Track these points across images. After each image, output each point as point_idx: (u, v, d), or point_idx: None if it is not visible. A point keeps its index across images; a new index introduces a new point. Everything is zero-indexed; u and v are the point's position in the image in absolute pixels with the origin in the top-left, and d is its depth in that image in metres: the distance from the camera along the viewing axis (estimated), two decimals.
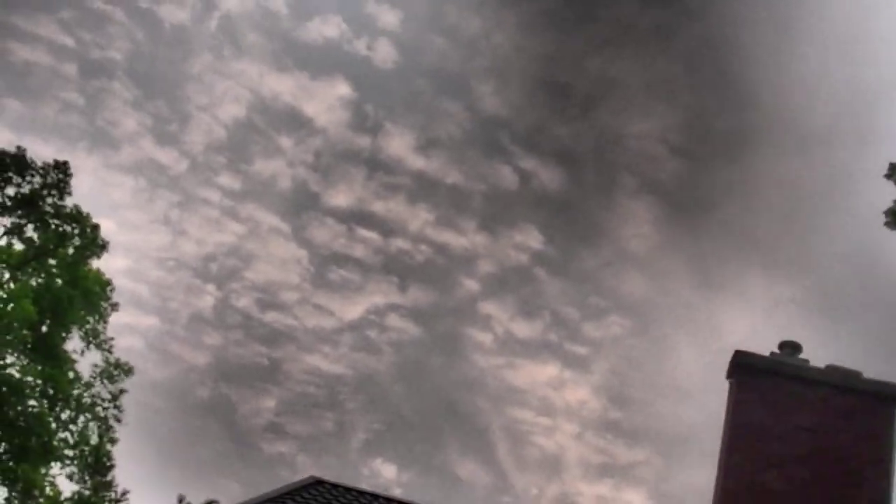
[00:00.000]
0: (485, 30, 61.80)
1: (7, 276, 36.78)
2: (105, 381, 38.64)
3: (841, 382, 11.22)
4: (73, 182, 37.30)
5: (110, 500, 38.03)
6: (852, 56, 50.19)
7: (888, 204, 22.95)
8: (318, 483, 17.49)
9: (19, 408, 35.57)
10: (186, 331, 57.81)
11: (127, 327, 48.12)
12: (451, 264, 61.37)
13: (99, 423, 38.25)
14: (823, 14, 48.04)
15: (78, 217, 37.10)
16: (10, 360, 36.57)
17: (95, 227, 37.54)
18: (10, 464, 35.25)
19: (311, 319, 59.74)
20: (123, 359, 39.31)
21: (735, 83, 55.12)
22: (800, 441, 11.04)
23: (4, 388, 35.32)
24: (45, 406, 36.16)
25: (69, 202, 37.12)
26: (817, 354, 11.57)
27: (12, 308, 34.13)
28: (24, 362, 36.78)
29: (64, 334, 37.67)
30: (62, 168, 36.97)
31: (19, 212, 36.88)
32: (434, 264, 60.87)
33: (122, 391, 38.82)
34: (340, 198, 61.95)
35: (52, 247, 37.15)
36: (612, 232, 64.30)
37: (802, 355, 11.53)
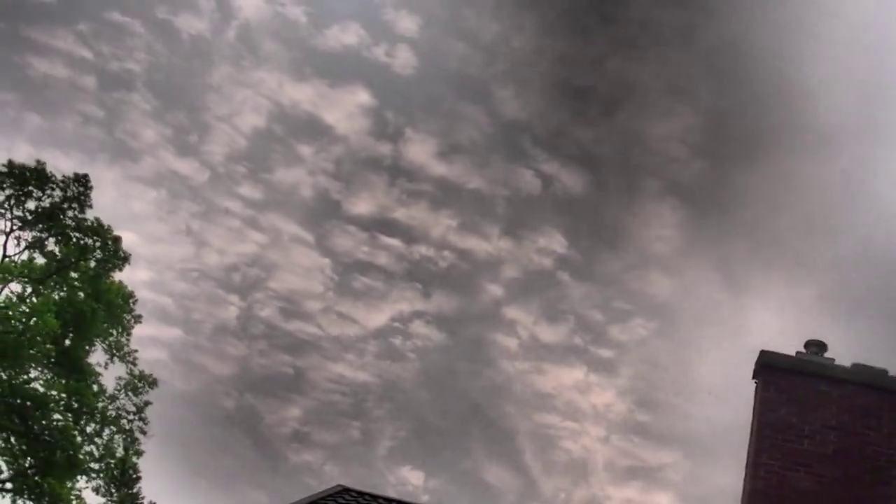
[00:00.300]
0: (504, 34, 61.78)
1: (29, 290, 36.89)
2: (129, 394, 38.70)
3: (867, 380, 11.18)
4: (94, 195, 37.47)
5: None
6: (871, 55, 50.00)
7: None
8: (345, 491, 17.47)
9: (44, 422, 35.66)
10: (211, 342, 57.92)
11: (151, 339, 48.35)
12: (474, 270, 61.37)
13: (124, 436, 38.29)
14: (841, 14, 47.88)
15: (99, 230, 37.18)
16: (34, 374, 36.71)
17: (117, 240, 37.63)
18: (37, 478, 35.35)
19: (335, 328, 59.80)
20: (148, 371, 39.42)
21: (755, 83, 54.97)
22: (827, 439, 11.00)
23: (29, 403, 35.44)
24: (70, 419, 36.21)
25: (90, 215, 37.28)
26: (843, 353, 11.54)
27: (35, 322, 34.17)
28: (49, 376, 36.87)
29: (87, 347, 37.74)
30: (82, 181, 37.08)
31: (40, 226, 37.02)
32: (457, 270, 60.90)
33: (146, 403, 38.87)
34: (362, 205, 62.06)
35: (73, 260, 37.24)
36: (636, 234, 64.18)
37: (828, 354, 11.50)
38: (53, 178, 36.74)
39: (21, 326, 34.15)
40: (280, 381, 58.32)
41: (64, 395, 36.30)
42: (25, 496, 35.55)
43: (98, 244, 37.46)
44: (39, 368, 36.60)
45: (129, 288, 38.95)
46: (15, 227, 36.86)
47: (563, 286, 61.99)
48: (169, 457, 42.79)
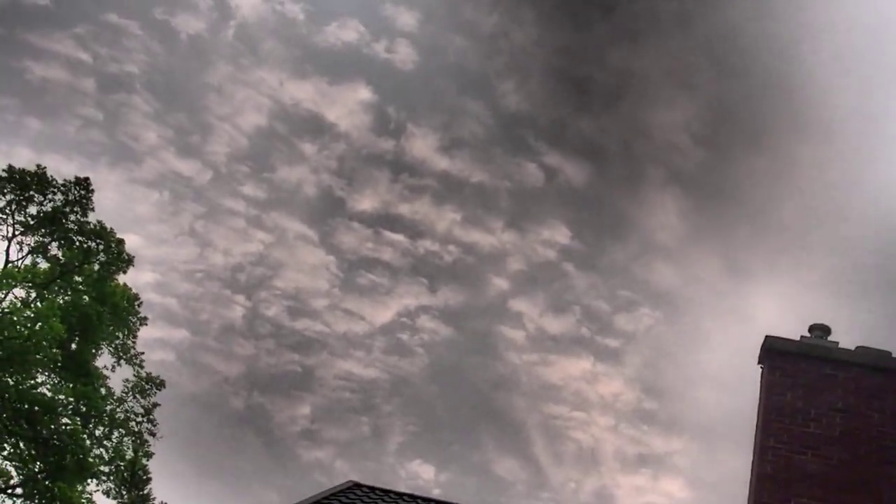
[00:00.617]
0: (503, 26, 61.77)
1: (34, 295, 36.93)
2: (137, 396, 38.75)
3: (871, 363, 11.25)
4: (97, 198, 37.46)
5: None
6: (874, 40, 49.98)
7: None
8: (356, 487, 17.54)
9: (53, 426, 35.74)
10: (218, 342, 57.99)
11: (158, 341, 48.38)
12: (479, 263, 61.43)
13: (133, 438, 38.33)
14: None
15: (102, 233, 37.19)
16: (41, 379, 36.76)
17: (120, 242, 37.67)
18: (47, 482, 35.43)
19: (342, 325, 59.83)
20: (155, 373, 39.45)
21: (756, 71, 55.00)
22: (833, 422, 11.07)
23: (37, 408, 35.52)
24: (79, 423, 36.26)
25: (92, 218, 37.28)
26: (847, 336, 11.61)
27: (41, 327, 34.23)
28: (56, 381, 36.94)
29: (94, 351, 37.80)
30: (83, 184, 37.10)
31: (43, 230, 37.05)
32: (463, 264, 60.96)
33: (154, 405, 38.90)
34: (366, 202, 62.10)
35: (77, 264, 37.26)
36: (640, 224, 64.26)
37: (832, 337, 11.58)
38: (54, 182, 36.76)
39: (27, 332, 34.19)
40: (288, 380, 58.44)
41: (72, 398, 36.35)
42: (36, 501, 35.64)
43: (101, 247, 37.48)
44: (46, 373, 36.66)
45: (134, 290, 39.05)
46: (17, 233, 36.88)
47: (568, 277, 62.11)
48: (179, 458, 42.91)
